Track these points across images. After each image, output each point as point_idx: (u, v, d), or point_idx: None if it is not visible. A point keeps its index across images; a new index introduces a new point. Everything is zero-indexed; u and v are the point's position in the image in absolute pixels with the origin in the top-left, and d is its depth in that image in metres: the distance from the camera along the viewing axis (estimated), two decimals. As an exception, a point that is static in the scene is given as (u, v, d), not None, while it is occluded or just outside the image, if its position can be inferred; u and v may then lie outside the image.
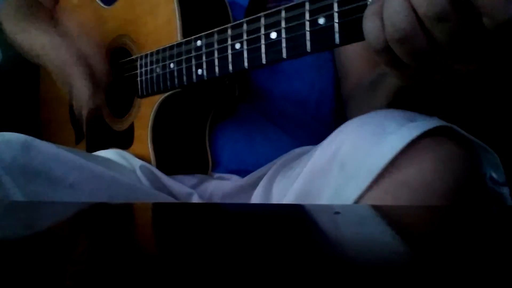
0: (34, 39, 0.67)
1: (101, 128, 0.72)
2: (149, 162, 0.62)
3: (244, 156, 0.66)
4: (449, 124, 0.39)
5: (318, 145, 0.50)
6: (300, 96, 0.66)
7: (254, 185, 0.62)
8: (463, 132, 0.40)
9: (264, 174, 0.62)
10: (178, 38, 0.59)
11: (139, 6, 0.65)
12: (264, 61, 0.48)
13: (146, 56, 0.63)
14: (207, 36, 0.54)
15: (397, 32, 0.33)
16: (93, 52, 0.64)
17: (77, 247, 0.21)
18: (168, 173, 0.62)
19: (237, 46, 0.51)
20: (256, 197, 0.59)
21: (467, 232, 0.25)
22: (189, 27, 0.59)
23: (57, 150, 0.48)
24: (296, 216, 0.30)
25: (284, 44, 0.46)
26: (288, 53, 0.46)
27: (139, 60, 0.64)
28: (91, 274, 0.17)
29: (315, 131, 0.68)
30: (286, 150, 0.65)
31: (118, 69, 0.69)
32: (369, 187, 0.37)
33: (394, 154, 0.36)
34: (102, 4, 0.73)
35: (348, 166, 0.39)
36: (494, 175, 0.40)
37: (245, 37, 0.50)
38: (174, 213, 0.31)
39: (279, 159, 0.63)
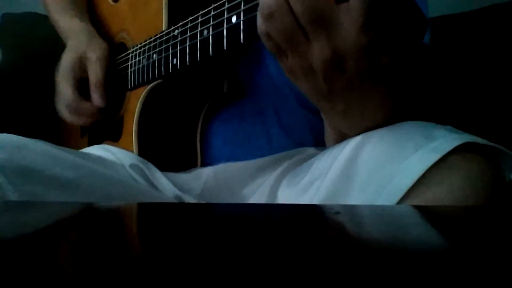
0: (66, 22, 0.73)
1: (101, 121, 0.73)
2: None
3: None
4: (471, 139, 0.37)
5: (327, 154, 0.47)
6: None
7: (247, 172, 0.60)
8: (485, 141, 0.38)
9: (260, 166, 0.60)
10: (163, 28, 0.58)
11: (136, 1, 0.65)
12: (225, 47, 0.45)
13: (136, 48, 0.62)
14: (183, 25, 0.53)
15: (265, 8, 0.34)
16: (95, 59, 0.66)
17: (73, 249, 0.20)
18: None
19: (205, 32, 0.49)
20: (261, 198, 0.56)
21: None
22: (175, 18, 0.57)
23: (51, 149, 0.47)
24: (300, 216, 0.28)
25: (241, 27, 0.43)
26: (245, 36, 0.43)
27: (130, 53, 0.64)
28: (88, 275, 0.16)
29: (311, 125, 0.64)
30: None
31: (116, 63, 0.69)
32: None
33: (415, 178, 0.35)
34: (110, 1, 0.74)
35: (370, 189, 0.38)
36: None
37: (211, 22, 0.47)
38: (184, 214, 0.29)
39: (278, 158, 0.60)
